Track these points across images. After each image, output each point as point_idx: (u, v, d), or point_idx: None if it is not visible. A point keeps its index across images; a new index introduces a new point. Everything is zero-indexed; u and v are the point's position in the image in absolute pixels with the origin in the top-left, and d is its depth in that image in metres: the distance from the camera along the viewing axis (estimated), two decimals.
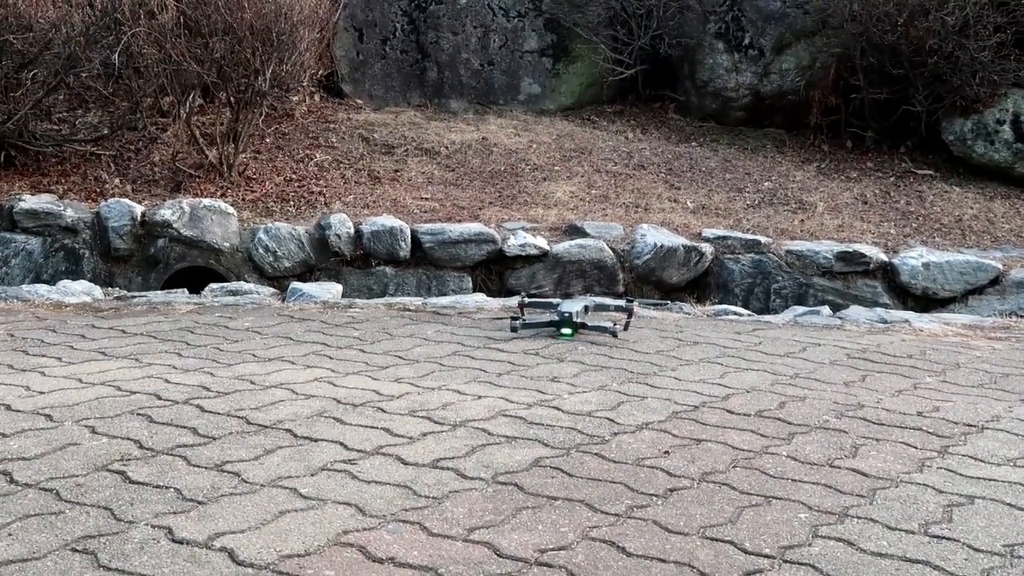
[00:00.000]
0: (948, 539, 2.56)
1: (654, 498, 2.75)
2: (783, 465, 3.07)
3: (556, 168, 9.09)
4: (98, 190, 7.96)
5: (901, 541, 2.54)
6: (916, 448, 3.32)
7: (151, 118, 8.90)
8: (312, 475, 2.83)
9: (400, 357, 4.36)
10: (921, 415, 3.72)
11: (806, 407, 3.76)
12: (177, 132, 8.69)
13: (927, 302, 7.40)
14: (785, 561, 2.40)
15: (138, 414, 3.36)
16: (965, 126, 9.58)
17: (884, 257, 7.55)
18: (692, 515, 2.64)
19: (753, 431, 3.42)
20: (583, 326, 4.92)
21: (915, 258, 7.53)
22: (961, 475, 3.06)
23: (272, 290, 6.33)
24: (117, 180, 8.13)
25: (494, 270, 7.36)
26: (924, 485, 2.96)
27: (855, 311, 6.10)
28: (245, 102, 8.39)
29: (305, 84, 9.58)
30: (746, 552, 2.43)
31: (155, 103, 8.97)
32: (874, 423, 3.59)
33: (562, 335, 4.90)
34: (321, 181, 8.39)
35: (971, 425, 3.62)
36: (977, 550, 2.50)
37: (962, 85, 9.37)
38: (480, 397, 3.72)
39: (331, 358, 4.30)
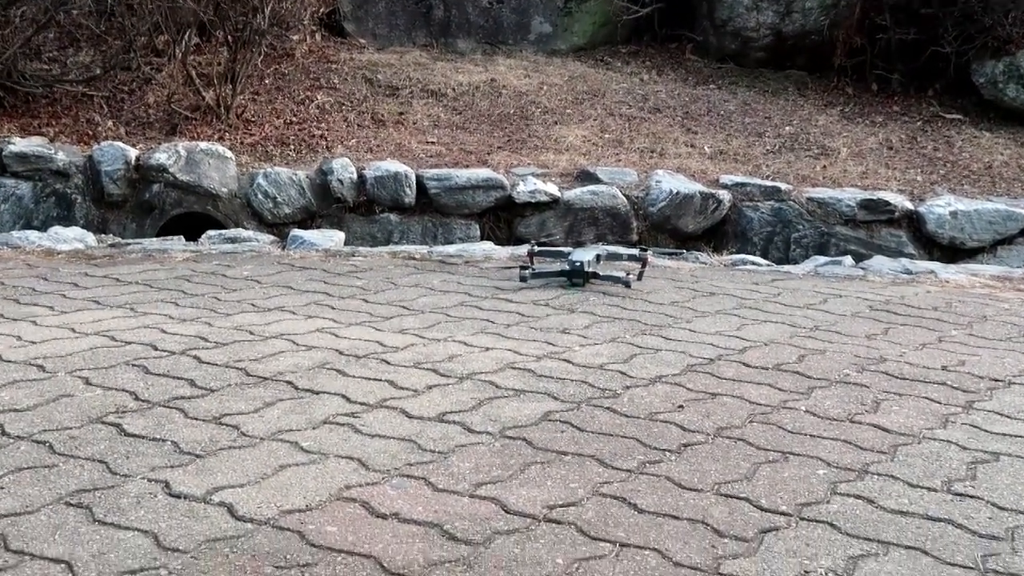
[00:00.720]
0: (972, 497, 2.57)
1: (667, 453, 2.76)
2: (801, 420, 3.08)
3: (568, 111, 9.05)
4: (90, 133, 7.95)
5: (923, 499, 2.55)
6: (940, 403, 3.32)
7: (145, 58, 8.85)
8: (313, 428, 2.85)
9: (405, 307, 4.37)
10: (946, 369, 3.73)
11: (826, 360, 3.76)
12: (172, 72, 8.66)
13: (954, 252, 7.38)
14: (802, 519, 2.41)
15: (133, 365, 3.37)
16: (996, 68, 9.50)
17: (910, 205, 7.52)
18: (706, 471, 2.65)
19: (770, 385, 3.42)
20: (595, 276, 4.92)
21: (942, 206, 7.50)
22: (986, 431, 3.07)
23: (272, 237, 6.33)
24: (110, 122, 8.11)
25: (503, 218, 7.34)
26: (947, 441, 2.96)
27: (878, 261, 6.08)
28: (243, 41, 8.34)
29: (306, 22, 9.52)
30: (762, 509, 2.44)
31: (149, 42, 8.92)
32: (896, 377, 3.59)
33: (573, 285, 4.90)
34: (323, 124, 8.36)
35: (997, 380, 3.62)
36: (1002, 508, 2.51)
37: (994, 25, 9.28)
38: (488, 349, 3.73)
39: (333, 308, 4.31)
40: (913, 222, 7.49)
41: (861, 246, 7.34)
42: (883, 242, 7.39)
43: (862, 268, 5.87)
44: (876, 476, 2.67)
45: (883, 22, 9.70)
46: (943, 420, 3.16)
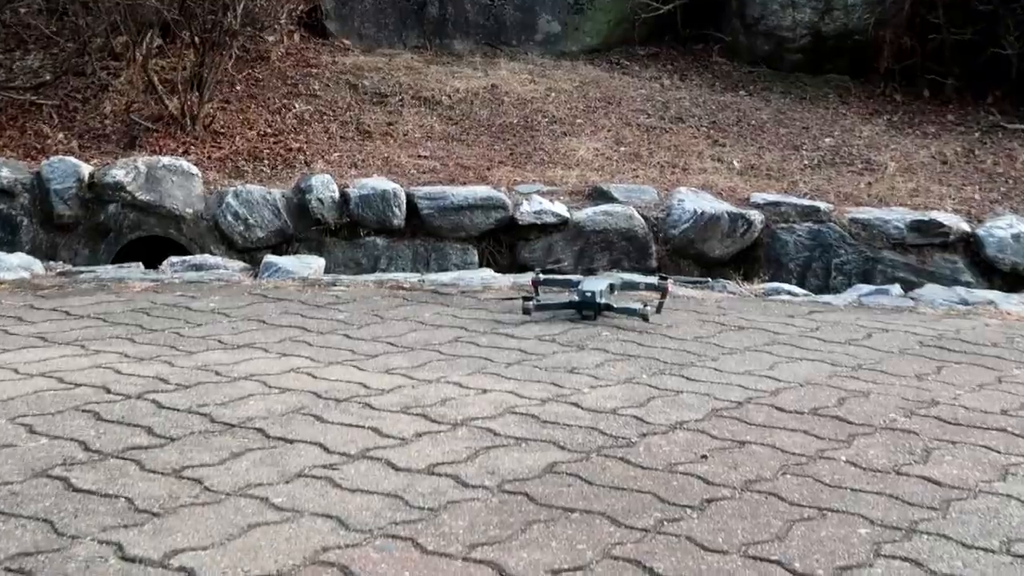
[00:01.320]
0: None
1: (688, 510, 2.76)
2: (841, 472, 3.08)
3: (578, 121, 9.08)
4: (39, 146, 7.99)
5: (979, 561, 2.54)
6: (999, 452, 3.32)
7: (101, 62, 8.91)
8: (287, 482, 2.85)
9: (392, 344, 4.37)
10: (1006, 414, 3.72)
11: (870, 404, 3.76)
12: (132, 78, 8.70)
13: (1016, 280, 7.38)
14: None
15: (84, 411, 3.38)
16: None
17: (966, 227, 7.53)
18: (732, 530, 2.65)
19: (806, 432, 3.42)
20: (608, 308, 4.92)
21: (1003, 228, 7.51)
22: None
23: (242, 264, 6.35)
24: (61, 135, 8.15)
25: (504, 241, 7.36)
26: (1008, 496, 2.96)
27: (931, 290, 6.09)
28: (212, 43, 8.39)
29: (283, 21, 9.58)
30: (795, 573, 2.44)
31: (106, 44, 8.98)
32: (950, 423, 3.58)
33: (583, 318, 4.90)
34: (301, 136, 8.40)
35: None
36: None
37: None
38: (485, 391, 3.73)
39: (311, 345, 4.31)
40: (970, 246, 7.50)
41: (911, 273, 7.35)
42: (936, 268, 7.40)
43: (912, 298, 5.88)
44: (926, 536, 2.67)
45: (936, 20, 9.74)
46: (1003, 472, 3.15)
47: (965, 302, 5.76)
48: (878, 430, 3.48)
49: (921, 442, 3.38)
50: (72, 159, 7.42)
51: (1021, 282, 7.36)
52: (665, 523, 2.68)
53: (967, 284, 7.08)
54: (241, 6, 8.27)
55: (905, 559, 2.54)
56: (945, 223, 7.47)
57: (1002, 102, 9.94)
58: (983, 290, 6.50)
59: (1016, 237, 7.43)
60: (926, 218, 7.50)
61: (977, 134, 9.46)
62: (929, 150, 9.02)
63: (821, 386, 3.97)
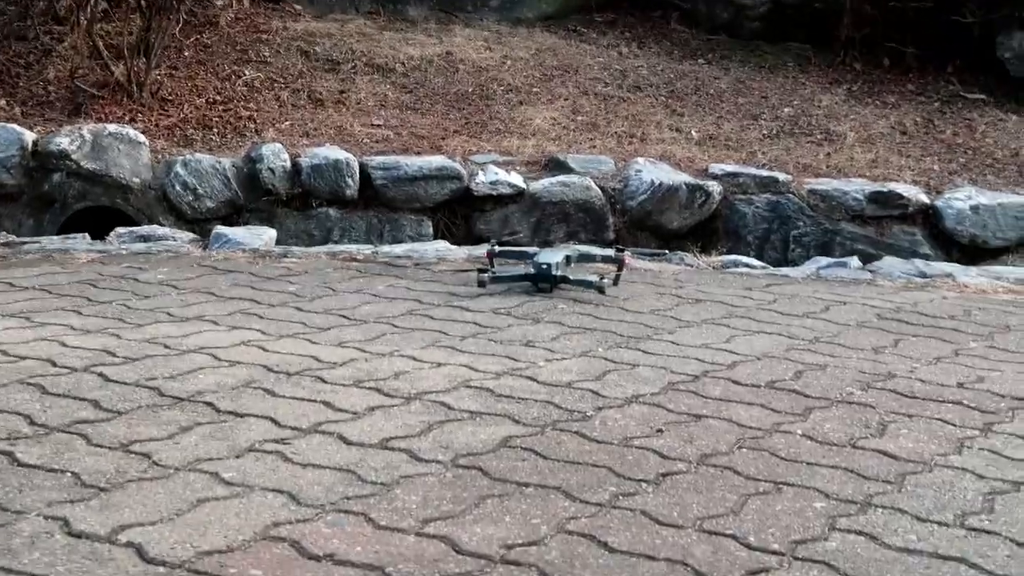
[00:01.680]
0: (989, 532, 2.61)
1: (643, 484, 2.78)
2: (797, 446, 3.11)
3: (535, 90, 9.08)
4: None
5: (933, 535, 2.58)
6: (955, 426, 3.37)
7: (44, 26, 8.81)
8: (237, 457, 2.85)
9: (344, 317, 4.38)
10: (962, 387, 3.78)
11: (827, 377, 3.80)
12: (76, 43, 8.62)
13: (975, 252, 7.46)
14: (796, 558, 2.44)
15: (28, 384, 3.36)
16: None
17: (925, 198, 7.60)
18: (688, 504, 2.68)
19: (763, 405, 3.46)
20: (564, 280, 4.94)
21: (962, 200, 7.58)
22: (1007, 457, 3.11)
23: (191, 235, 6.32)
24: (3, 101, 8.06)
25: (459, 213, 7.36)
26: (962, 469, 3.00)
27: (889, 263, 6.14)
28: (159, 7, 8.32)
29: None
30: (750, 548, 2.47)
31: (49, 7, 8.88)
32: (906, 396, 3.63)
33: (539, 290, 4.92)
34: (251, 104, 8.35)
35: (1021, 399, 3.67)
36: (1022, 545, 2.55)
37: None
38: (439, 365, 3.74)
39: (261, 317, 4.31)
40: (929, 218, 7.57)
41: (870, 245, 7.41)
42: (895, 241, 7.46)
43: (870, 271, 5.93)
44: (881, 509, 2.71)
45: None
46: (958, 445, 3.20)
47: (923, 275, 5.82)
48: (835, 403, 3.52)
49: (877, 415, 3.42)
50: (15, 126, 7.34)
51: (980, 254, 7.44)
52: (620, 497, 2.70)
53: (926, 256, 7.14)
54: None
55: (860, 533, 2.57)
56: (904, 195, 7.53)
57: (962, 72, 10.01)
58: (941, 263, 6.57)
59: (975, 209, 7.50)
60: (885, 189, 7.56)
61: (937, 104, 9.53)
62: (888, 120, 9.08)
63: (778, 359, 4.01)
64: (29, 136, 7.24)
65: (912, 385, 3.76)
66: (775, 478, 2.87)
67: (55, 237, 6.11)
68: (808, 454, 3.05)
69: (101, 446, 2.89)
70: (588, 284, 4.91)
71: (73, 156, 7.13)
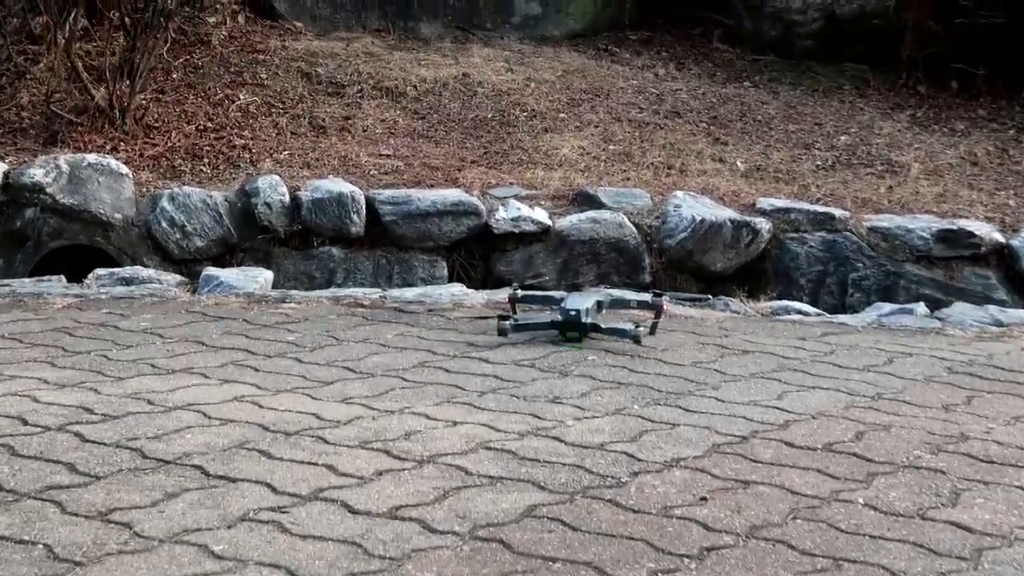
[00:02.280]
0: None
1: (686, 560, 2.76)
2: (859, 516, 3.09)
3: (561, 116, 9.10)
4: None
5: None
6: None
7: (18, 45, 8.87)
8: (229, 527, 2.84)
9: (349, 369, 4.37)
10: None
11: (891, 439, 3.77)
12: (53, 64, 8.67)
13: None
14: None
15: None
16: None
17: (1000, 238, 7.56)
18: None
19: (820, 470, 3.43)
20: (595, 328, 4.93)
21: None
22: None
23: (179, 278, 6.33)
24: None
25: (477, 253, 7.36)
26: None
27: (960, 310, 6.11)
28: (144, 24, 8.37)
29: (225, 1, 9.56)
30: None
31: (23, 25, 8.95)
32: (982, 460, 3.60)
33: (567, 340, 4.91)
34: (246, 131, 8.38)
35: None
36: None
37: None
38: (455, 423, 3.73)
39: (257, 370, 4.31)
40: (1004, 259, 7.53)
41: (938, 290, 7.37)
42: (966, 285, 7.43)
43: (939, 318, 5.90)
44: None
45: (964, 2, 9.79)
46: None
47: (999, 323, 5.78)
48: (900, 468, 3.49)
49: (949, 482, 3.39)
50: None
51: None
52: (659, 574, 2.68)
53: (1001, 302, 7.10)
54: None
55: None
56: (976, 233, 7.49)
57: None
58: (1019, 309, 6.53)
59: None
60: (955, 227, 7.52)
61: (1012, 131, 9.52)
62: (958, 150, 9.06)
63: (836, 418, 3.98)
64: (0, 167, 7.28)
65: (988, 448, 3.73)
66: (834, 553, 2.84)
67: (27, 280, 6.12)
68: (871, 526, 3.02)
69: (77, 514, 2.88)
70: (622, 333, 4.89)
71: (48, 189, 7.16)
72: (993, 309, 6.16)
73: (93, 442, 3.41)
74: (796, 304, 6.24)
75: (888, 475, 3.43)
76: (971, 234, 7.48)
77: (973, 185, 8.50)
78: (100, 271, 6.19)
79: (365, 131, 8.59)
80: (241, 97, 8.81)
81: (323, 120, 8.66)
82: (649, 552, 2.80)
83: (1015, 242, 7.53)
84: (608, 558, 2.75)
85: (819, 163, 8.71)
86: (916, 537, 2.96)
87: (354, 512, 2.96)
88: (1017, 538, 3.00)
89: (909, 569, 2.77)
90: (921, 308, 6.14)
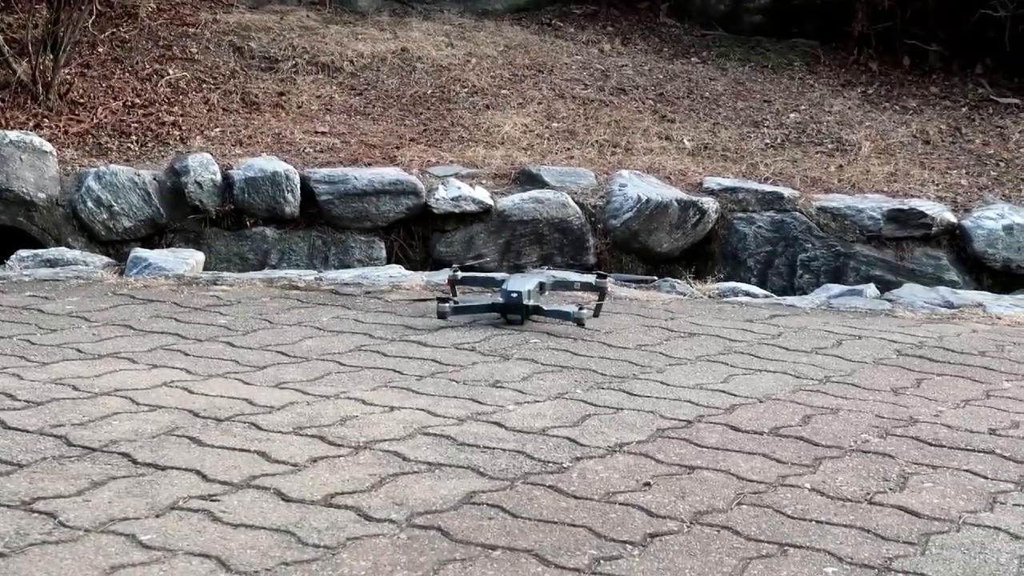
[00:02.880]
0: None
1: (628, 547, 2.78)
2: (805, 501, 3.12)
3: (503, 92, 9.10)
4: None
5: None
6: (986, 478, 3.38)
7: None
8: (157, 516, 2.83)
9: (283, 353, 4.36)
10: (995, 433, 3.79)
11: (839, 422, 3.81)
12: None
13: (1009, 279, 7.48)
14: None
15: None
16: None
17: (951, 217, 7.63)
18: (680, 570, 2.67)
19: (766, 455, 3.46)
20: (537, 310, 4.94)
21: (993, 219, 7.61)
22: None
23: (106, 260, 6.30)
24: None
25: (416, 233, 7.36)
26: (995, 528, 3.01)
27: (910, 291, 6.16)
28: None
29: None
30: None
31: None
32: (931, 444, 3.64)
33: (508, 322, 4.92)
34: (176, 108, 8.34)
35: None
36: None
37: None
38: (393, 409, 3.73)
39: (187, 355, 4.29)
40: (956, 239, 7.60)
41: (888, 271, 7.43)
42: (916, 266, 7.49)
43: (889, 300, 5.95)
44: (901, 575, 2.71)
45: None
46: (990, 500, 3.21)
47: (950, 304, 5.84)
48: (848, 452, 3.53)
49: (897, 466, 3.42)
50: None
51: (1014, 281, 7.46)
52: (601, 562, 2.69)
53: (952, 283, 7.17)
54: None
55: None
56: (927, 212, 7.55)
57: (993, 73, 10.08)
58: (970, 291, 6.60)
59: (1008, 229, 7.52)
60: (905, 207, 7.58)
61: (964, 109, 9.59)
62: (909, 128, 9.13)
63: (783, 402, 4.02)
64: None
65: (937, 432, 3.77)
66: (780, 539, 2.86)
67: None
68: (818, 511, 3.05)
69: None
70: (565, 315, 4.91)
71: None
72: (944, 290, 6.21)
73: (16, 429, 3.39)
74: (744, 286, 6.27)
75: (835, 459, 3.46)
76: (922, 214, 7.55)
77: (925, 164, 8.57)
78: (23, 252, 6.15)
79: (300, 108, 8.57)
80: (170, 72, 8.75)
81: (256, 96, 8.63)
82: (591, 539, 2.81)
83: (967, 222, 7.60)
84: (549, 545, 2.76)
85: (768, 141, 8.76)
86: (863, 522, 2.99)
87: (287, 500, 2.96)
88: (965, 522, 3.04)
89: (856, 554, 2.80)
90: (871, 289, 6.20)
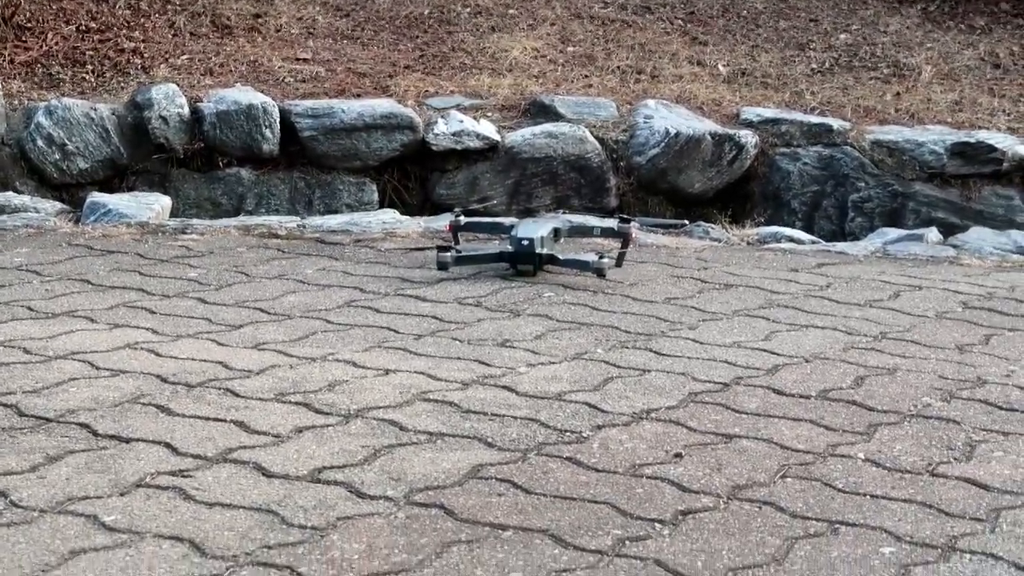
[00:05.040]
0: None
1: (657, 526, 2.78)
2: (858, 473, 3.12)
3: (511, 11, 9.07)
4: None
5: None
6: None
7: None
8: (122, 495, 2.84)
9: (262, 311, 4.36)
10: None
11: (896, 384, 3.81)
12: None
13: None
14: None
15: None
16: None
17: None
18: (716, 551, 2.68)
19: (813, 422, 3.46)
20: (552, 260, 4.94)
21: None
22: None
23: (59, 206, 6.31)
24: None
25: (412, 174, 7.35)
26: None
27: (978, 235, 6.15)
28: None
29: None
30: None
31: None
32: (1001, 408, 3.64)
33: (519, 273, 4.92)
34: (136, 32, 8.32)
35: None
36: None
37: None
38: (388, 372, 3.74)
39: (153, 312, 4.30)
40: None
41: (952, 213, 7.43)
42: (985, 206, 7.48)
43: (953, 245, 5.94)
44: (969, 556, 2.71)
45: None
46: None
47: (1023, 250, 5.83)
48: (907, 418, 3.52)
49: (963, 433, 3.42)
50: None
51: None
52: (627, 543, 2.70)
53: None
54: None
55: None
56: (997, 146, 7.53)
57: None
58: None
59: None
60: (972, 139, 7.56)
61: None
62: (976, 49, 9.09)
63: (833, 361, 4.01)
64: None
65: (1008, 394, 3.77)
66: (830, 516, 2.87)
67: None
68: (873, 484, 3.05)
69: None
70: (583, 265, 4.90)
71: None
72: (1016, 234, 6.20)
73: None
74: (787, 230, 6.27)
75: (893, 426, 3.46)
76: (991, 148, 7.52)
77: (994, 91, 8.54)
78: None
79: (279, 31, 8.55)
80: None
81: (228, 18, 8.60)
82: (615, 517, 2.82)
83: None
84: (567, 525, 2.77)
85: (814, 66, 8.72)
86: (924, 496, 2.99)
87: (269, 475, 2.97)
88: None
89: (916, 532, 2.80)
90: (933, 234, 6.18)
